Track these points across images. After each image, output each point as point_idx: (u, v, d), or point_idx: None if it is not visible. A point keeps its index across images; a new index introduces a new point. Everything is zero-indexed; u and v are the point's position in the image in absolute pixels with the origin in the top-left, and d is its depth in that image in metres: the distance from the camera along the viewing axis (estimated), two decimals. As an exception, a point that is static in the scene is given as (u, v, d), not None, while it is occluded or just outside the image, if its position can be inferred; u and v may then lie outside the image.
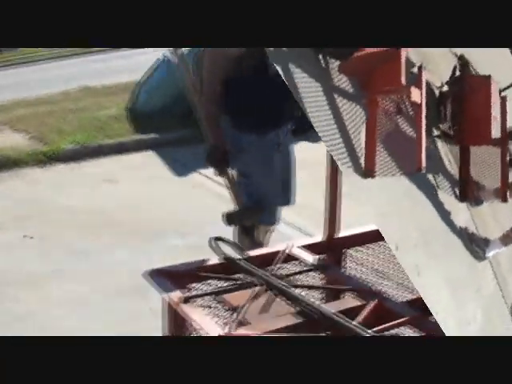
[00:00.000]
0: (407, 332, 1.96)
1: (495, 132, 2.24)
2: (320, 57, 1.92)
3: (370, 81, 1.90)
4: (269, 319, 1.97)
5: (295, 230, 4.91)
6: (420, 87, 1.97)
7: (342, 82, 1.94)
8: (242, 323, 1.93)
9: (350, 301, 2.07)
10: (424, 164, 1.89)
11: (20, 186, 6.20)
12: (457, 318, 1.94)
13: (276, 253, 2.33)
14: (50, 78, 10.37)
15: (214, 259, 2.28)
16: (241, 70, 3.29)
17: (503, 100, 2.35)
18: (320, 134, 1.76)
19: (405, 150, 1.99)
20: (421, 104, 1.96)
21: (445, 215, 2.14)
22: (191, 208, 5.53)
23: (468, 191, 2.29)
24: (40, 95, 9.00)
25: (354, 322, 1.83)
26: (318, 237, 2.51)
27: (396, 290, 2.37)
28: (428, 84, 2.14)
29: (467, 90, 2.25)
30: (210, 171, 3.87)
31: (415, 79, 2.00)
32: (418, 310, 2.10)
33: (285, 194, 3.66)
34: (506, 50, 2.75)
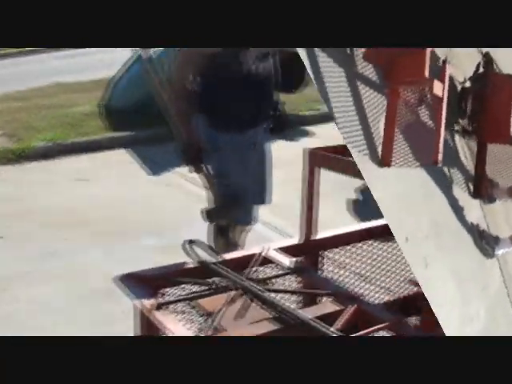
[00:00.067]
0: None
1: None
2: None
3: (393, 71, 1.92)
4: (244, 325, 1.91)
5: (271, 230, 4.87)
6: (443, 81, 1.99)
7: (366, 69, 1.94)
8: (217, 330, 1.88)
9: (328, 305, 2.02)
10: (441, 157, 1.90)
11: (-10, 184, 6.08)
12: (460, 314, 1.96)
13: (252, 256, 2.27)
14: (21, 73, 10.21)
15: (187, 263, 2.22)
16: (215, 68, 3.24)
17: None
18: (338, 120, 1.76)
19: (422, 142, 2.00)
20: (442, 98, 1.97)
21: (457, 210, 2.15)
22: (165, 207, 5.46)
23: (482, 188, 2.31)
24: (11, 91, 8.85)
25: (332, 329, 1.78)
26: (295, 239, 2.46)
27: (375, 293, 2.33)
28: (451, 78, 2.15)
29: (490, 88, 2.25)
30: (184, 170, 3.81)
31: (439, 73, 2.00)
32: (398, 312, 2.08)
33: (261, 193, 3.62)
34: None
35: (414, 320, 2.19)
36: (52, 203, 5.52)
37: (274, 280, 2.20)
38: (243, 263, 2.23)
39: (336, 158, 2.25)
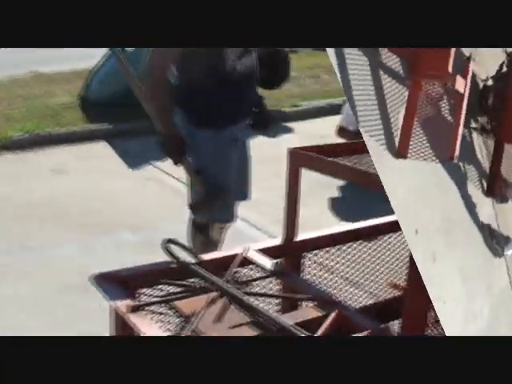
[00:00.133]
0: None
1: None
2: None
3: (417, 63, 1.90)
4: (223, 329, 1.85)
5: (251, 227, 4.82)
6: (465, 77, 1.98)
7: (390, 59, 1.92)
8: (195, 333, 1.82)
9: (309, 311, 1.97)
10: (457, 153, 1.90)
11: (-36, 175, 5.95)
12: (465, 310, 1.96)
13: (232, 256, 2.21)
14: (-1, 62, 10.04)
15: (165, 262, 2.15)
16: (194, 63, 3.17)
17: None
18: (357, 108, 1.74)
19: (440, 136, 1.99)
20: (463, 94, 1.97)
21: (469, 207, 2.16)
22: (144, 201, 5.38)
23: (496, 187, 2.32)
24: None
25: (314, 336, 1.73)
26: (277, 240, 2.40)
27: (359, 297, 2.28)
28: (473, 75, 2.15)
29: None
30: (164, 164, 3.75)
31: (462, 69, 1.99)
32: (380, 317, 2.03)
33: (241, 190, 3.58)
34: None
35: (396, 325, 2.15)
36: (27, 195, 5.41)
37: (254, 282, 2.14)
38: (223, 264, 2.17)
39: (319, 158, 2.21)
